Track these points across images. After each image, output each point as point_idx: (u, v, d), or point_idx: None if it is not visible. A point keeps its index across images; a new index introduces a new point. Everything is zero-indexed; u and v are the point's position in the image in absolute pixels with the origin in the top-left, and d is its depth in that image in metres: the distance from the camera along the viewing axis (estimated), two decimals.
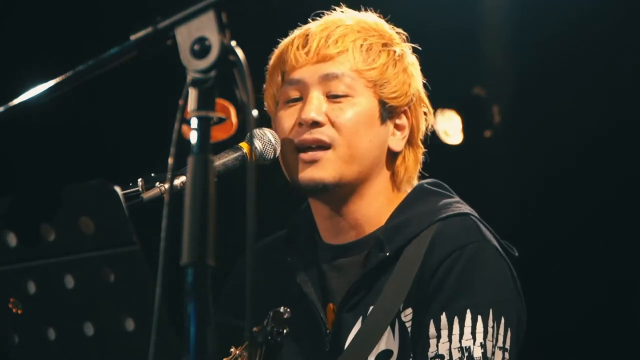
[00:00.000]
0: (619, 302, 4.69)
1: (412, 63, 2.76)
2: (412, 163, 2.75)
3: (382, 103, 2.69)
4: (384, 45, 2.71)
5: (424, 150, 2.80)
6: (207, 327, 1.68)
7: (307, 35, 2.71)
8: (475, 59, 4.89)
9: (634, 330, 4.69)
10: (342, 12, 2.77)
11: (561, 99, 4.72)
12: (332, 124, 2.65)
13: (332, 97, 2.67)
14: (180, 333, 1.70)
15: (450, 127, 4.84)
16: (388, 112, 2.70)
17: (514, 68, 4.87)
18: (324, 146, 2.64)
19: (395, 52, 2.71)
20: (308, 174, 2.65)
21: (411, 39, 2.82)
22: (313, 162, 2.64)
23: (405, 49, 2.76)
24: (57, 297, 1.94)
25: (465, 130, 4.90)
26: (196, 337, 1.67)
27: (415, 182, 2.79)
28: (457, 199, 2.74)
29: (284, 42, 2.75)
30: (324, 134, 2.64)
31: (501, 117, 4.96)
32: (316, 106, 2.65)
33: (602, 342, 4.74)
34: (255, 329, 2.35)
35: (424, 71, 2.81)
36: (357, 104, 2.66)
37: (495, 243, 2.63)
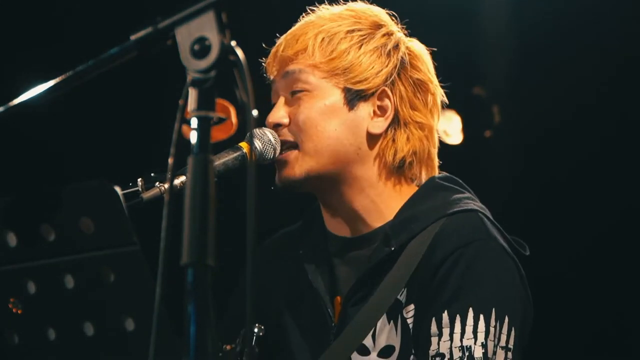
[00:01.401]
0: (623, 299, 4.68)
1: (388, 41, 2.71)
2: (404, 143, 2.69)
3: (347, 90, 2.67)
4: (349, 32, 2.69)
5: (434, 126, 2.75)
6: (207, 327, 1.68)
7: (280, 42, 2.76)
8: (475, 59, 4.89)
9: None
10: (325, 8, 2.78)
11: (561, 99, 4.72)
12: (294, 124, 2.69)
13: (293, 96, 2.70)
14: (180, 333, 1.70)
15: (450, 127, 4.84)
16: (359, 96, 2.68)
17: (514, 68, 4.87)
18: (292, 145, 2.68)
19: (361, 35, 2.69)
20: (279, 175, 2.71)
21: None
22: (284, 163, 2.68)
23: (389, 28, 2.73)
24: (57, 297, 1.94)
25: (465, 130, 4.90)
26: (196, 337, 1.67)
27: (430, 170, 2.76)
28: (467, 194, 2.72)
29: None
30: (287, 134, 2.69)
31: (501, 117, 4.96)
32: (276, 111, 2.71)
33: (608, 341, 4.74)
34: (227, 347, 2.35)
35: None
36: (315, 97, 2.68)
37: (502, 241, 2.61)
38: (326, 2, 2.81)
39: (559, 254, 4.70)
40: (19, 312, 1.97)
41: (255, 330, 2.37)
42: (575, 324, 4.72)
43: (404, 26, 2.79)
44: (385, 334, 2.59)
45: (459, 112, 4.88)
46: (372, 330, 2.60)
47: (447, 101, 2.81)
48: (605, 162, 4.68)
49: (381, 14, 2.77)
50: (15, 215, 1.95)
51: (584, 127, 4.68)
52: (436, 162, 2.78)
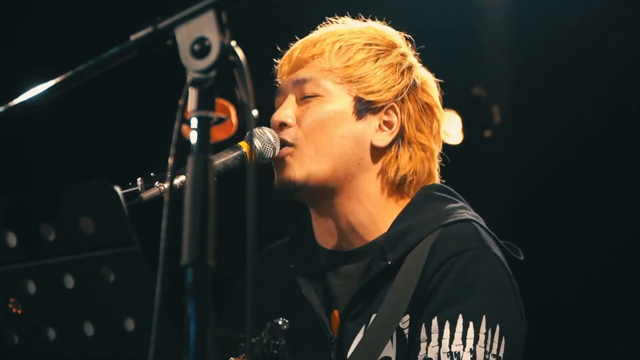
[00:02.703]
0: (621, 303, 4.68)
1: (402, 61, 2.72)
2: (407, 161, 2.69)
3: (358, 99, 2.67)
4: (367, 44, 2.70)
5: (436, 150, 2.75)
6: (207, 327, 1.68)
7: (295, 47, 2.75)
8: (475, 59, 4.89)
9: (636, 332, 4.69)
10: (343, 23, 2.78)
11: (561, 99, 4.72)
12: (299, 125, 2.67)
13: (303, 99, 2.69)
14: (180, 333, 1.70)
15: (450, 127, 4.85)
16: (368, 108, 2.68)
17: (514, 68, 4.87)
18: (287, 145, 2.67)
19: (378, 49, 2.70)
20: (279, 175, 2.68)
21: (411, 39, 2.82)
22: (281, 161, 2.66)
23: (403, 50, 2.75)
24: (57, 297, 1.94)
25: (465, 130, 4.91)
26: (196, 337, 1.67)
27: (430, 180, 2.75)
28: (461, 204, 2.71)
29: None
30: (288, 134, 2.67)
31: (501, 117, 4.96)
32: (284, 109, 2.69)
33: (606, 345, 4.74)
34: (253, 340, 2.35)
35: None
36: (325, 102, 2.67)
37: (496, 251, 2.60)
38: (336, 15, 2.80)
39: (558, 253, 4.70)
40: (19, 312, 1.97)
41: (280, 322, 2.37)
42: (574, 326, 4.72)
43: (418, 53, 2.80)
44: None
45: (459, 112, 4.89)
46: None
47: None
48: (605, 161, 4.69)
49: (396, 36, 2.78)
50: (16, 215, 1.95)
51: (584, 127, 4.68)
52: (437, 179, 2.78)
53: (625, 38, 4.58)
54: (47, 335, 1.96)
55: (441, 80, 2.81)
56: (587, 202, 4.71)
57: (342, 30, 2.73)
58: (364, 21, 2.80)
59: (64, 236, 1.91)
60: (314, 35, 2.75)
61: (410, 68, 2.73)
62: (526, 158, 4.88)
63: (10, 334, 1.99)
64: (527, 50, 4.79)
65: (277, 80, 2.80)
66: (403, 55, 2.74)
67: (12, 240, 1.93)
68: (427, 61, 2.82)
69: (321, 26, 2.78)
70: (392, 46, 2.74)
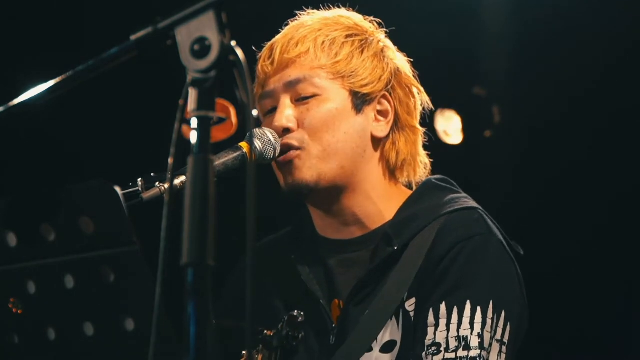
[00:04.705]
0: (622, 301, 4.69)
1: (384, 47, 2.76)
2: (404, 145, 2.75)
3: (354, 93, 2.70)
4: (348, 36, 2.72)
5: (421, 130, 2.80)
6: (207, 327, 1.68)
7: (273, 45, 2.74)
8: (476, 58, 4.89)
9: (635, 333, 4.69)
10: (308, 14, 2.78)
11: (561, 99, 4.72)
12: (302, 128, 2.67)
13: (300, 101, 2.69)
14: (180, 333, 1.70)
15: (450, 127, 4.84)
16: (363, 100, 2.71)
17: (514, 68, 4.87)
18: (294, 149, 2.66)
19: (360, 40, 2.72)
20: (289, 179, 2.68)
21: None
22: (288, 164, 2.66)
23: (379, 35, 2.77)
24: (57, 297, 1.94)
25: (465, 130, 4.90)
26: (196, 337, 1.67)
27: (419, 170, 2.79)
28: (464, 194, 2.76)
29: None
30: (293, 138, 2.66)
31: (501, 117, 4.96)
32: (284, 114, 2.68)
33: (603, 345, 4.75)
34: (268, 332, 2.36)
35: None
36: (325, 101, 2.68)
37: (501, 238, 2.65)
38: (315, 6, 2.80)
39: (558, 253, 4.70)
40: (19, 312, 1.97)
41: (295, 314, 2.39)
42: (574, 325, 4.72)
43: (387, 31, 2.81)
44: (388, 329, 2.61)
45: (459, 112, 4.88)
46: None
47: (432, 106, 2.82)
48: (605, 161, 4.69)
49: (365, 21, 2.79)
50: (16, 215, 1.95)
51: (584, 127, 4.68)
52: (418, 161, 2.80)
53: (626, 38, 4.57)
54: (47, 335, 1.96)
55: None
56: (587, 202, 4.71)
57: (316, 24, 2.73)
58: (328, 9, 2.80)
59: (64, 236, 1.91)
60: (288, 32, 2.74)
61: (390, 55, 2.76)
62: (526, 158, 4.87)
63: (10, 334, 1.99)
64: (527, 50, 4.79)
65: (258, 82, 2.76)
66: (381, 42, 2.76)
67: (12, 240, 1.93)
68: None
69: (290, 21, 2.77)
70: (368, 33, 2.76)
